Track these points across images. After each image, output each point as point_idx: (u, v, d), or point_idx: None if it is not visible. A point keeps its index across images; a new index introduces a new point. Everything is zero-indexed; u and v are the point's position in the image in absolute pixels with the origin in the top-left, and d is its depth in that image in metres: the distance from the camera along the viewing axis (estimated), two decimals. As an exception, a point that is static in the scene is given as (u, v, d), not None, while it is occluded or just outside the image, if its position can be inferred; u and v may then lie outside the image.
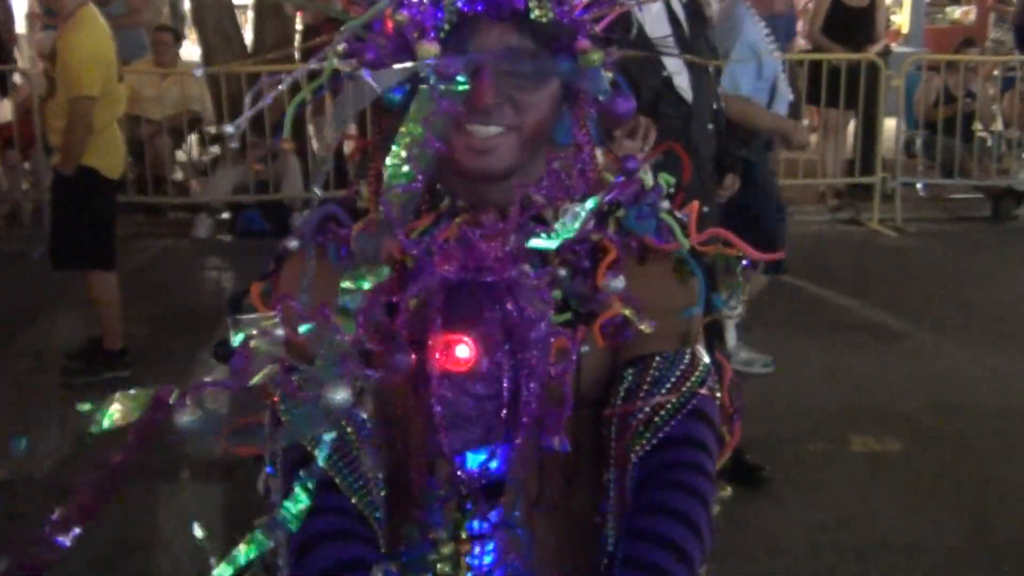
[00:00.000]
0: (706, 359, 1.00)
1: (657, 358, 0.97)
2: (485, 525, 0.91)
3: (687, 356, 0.98)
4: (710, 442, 0.96)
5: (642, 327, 0.93)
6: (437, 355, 0.88)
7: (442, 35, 0.90)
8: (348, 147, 4.59)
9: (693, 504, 0.91)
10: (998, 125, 6.57)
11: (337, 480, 0.91)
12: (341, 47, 0.90)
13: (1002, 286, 4.68)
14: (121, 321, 3.77)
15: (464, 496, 0.91)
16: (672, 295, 0.99)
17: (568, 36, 0.93)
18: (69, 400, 3.54)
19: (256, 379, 0.86)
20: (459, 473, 0.90)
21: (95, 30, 3.59)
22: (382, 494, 0.94)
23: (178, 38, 6.17)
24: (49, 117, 3.72)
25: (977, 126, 6.41)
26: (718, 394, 1.00)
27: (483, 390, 0.86)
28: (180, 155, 6.37)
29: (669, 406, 0.94)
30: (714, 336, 1.05)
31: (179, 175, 6.31)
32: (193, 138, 6.24)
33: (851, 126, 6.26)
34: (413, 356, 0.86)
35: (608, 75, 0.97)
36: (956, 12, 9.91)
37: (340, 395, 0.82)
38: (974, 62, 6.43)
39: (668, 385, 0.95)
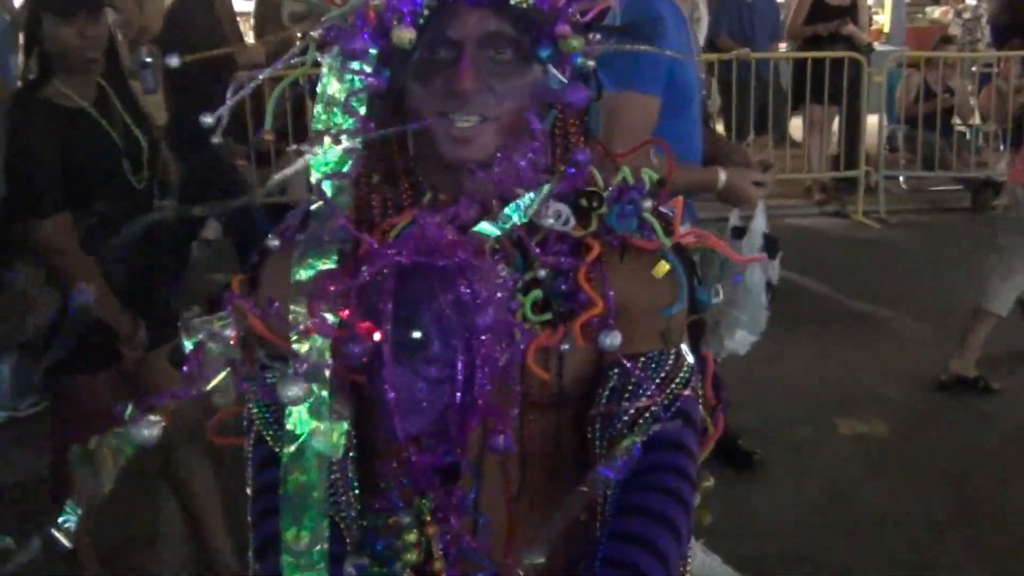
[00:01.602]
0: (690, 359, 0.99)
1: (642, 359, 0.96)
2: (441, 512, 0.90)
3: (671, 356, 0.97)
4: (692, 445, 0.96)
5: (609, 341, 0.93)
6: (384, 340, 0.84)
7: (421, 21, 0.89)
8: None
9: (674, 507, 0.92)
10: (976, 119, 6.69)
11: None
12: (315, 35, 0.90)
13: (981, 274, 4.80)
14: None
15: (420, 481, 0.89)
16: (655, 293, 0.98)
17: (548, 22, 0.92)
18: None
19: (212, 384, 0.85)
20: (414, 458, 0.87)
21: None
22: (353, 493, 0.94)
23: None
24: None
25: (956, 121, 6.53)
26: (700, 391, 1.00)
27: (436, 373, 0.83)
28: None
29: (653, 409, 0.94)
30: (699, 330, 1.15)
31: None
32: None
33: (835, 122, 6.38)
34: (370, 342, 0.83)
35: (591, 63, 0.96)
36: (936, 12, 10.07)
37: (293, 390, 0.82)
38: (952, 59, 6.57)
39: (652, 387, 0.95)
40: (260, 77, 0.90)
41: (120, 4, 6.21)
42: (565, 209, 0.94)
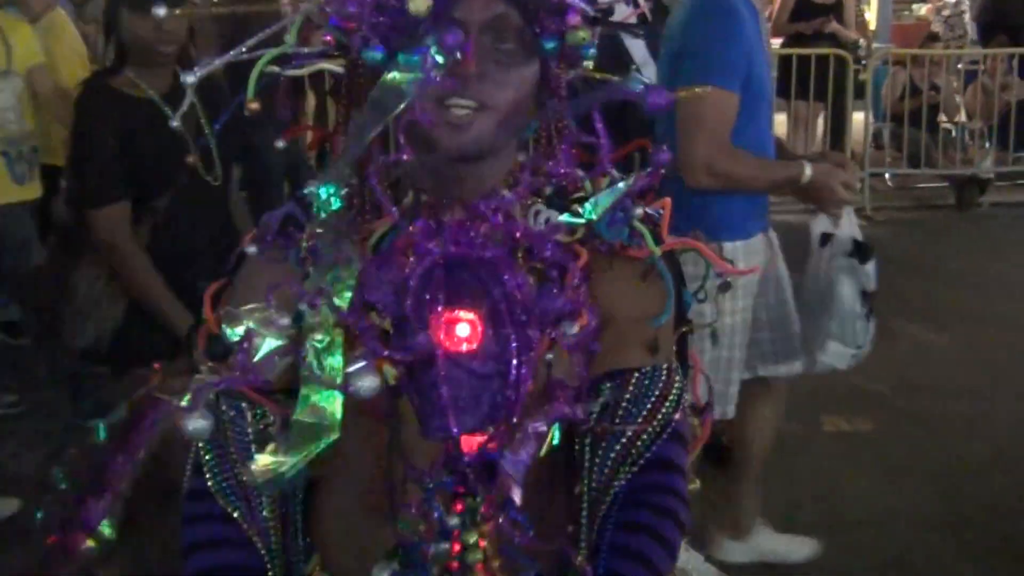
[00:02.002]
0: (678, 376, 0.99)
1: (636, 374, 0.95)
2: (485, 510, 0.88)
3: (663, 373, 0.97)
4: (683, 462, 0.97)
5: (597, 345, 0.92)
6: (442, 335, 0.85)
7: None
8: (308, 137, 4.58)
9: (669, 527, 0.93)
10: (961, 117, 6.72)
11: (224, 502, 0.93)
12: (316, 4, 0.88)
13: (966, 271, 4.82)
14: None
15: (466, 481, 0.87)
16: (643, 302, 0.97)
17: (557, 12, 0.90)
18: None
19: (274, 372, 0.84)
20: (464, 458, 0.86)
21: (72, 35, 3.62)
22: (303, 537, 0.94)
23: None
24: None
25: (942, 118, 6.56)
26: (688, 396, 1.00)
27: (482, 368, 0.83)
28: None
29: (647, 435, 0.94)
30: (686, 336, 1.14)
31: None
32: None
33: (821, 119, 6.39)
34: (459, 333, 0.83)
35: (592, 51, 0.95)
36: (922, 9, 10.10)
37: (369, 381, 0.80)
38: (938, 56, 6.59)
39: (646, 410, 0.94)
40: (242, 48, 0.88)
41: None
42: (552, 215, 0.92)
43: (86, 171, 2.14)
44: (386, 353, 0.84)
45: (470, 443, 0.87)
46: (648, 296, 0.97)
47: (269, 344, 0.84)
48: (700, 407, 1.08)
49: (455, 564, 0.87)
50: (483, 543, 0.87)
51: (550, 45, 0.91)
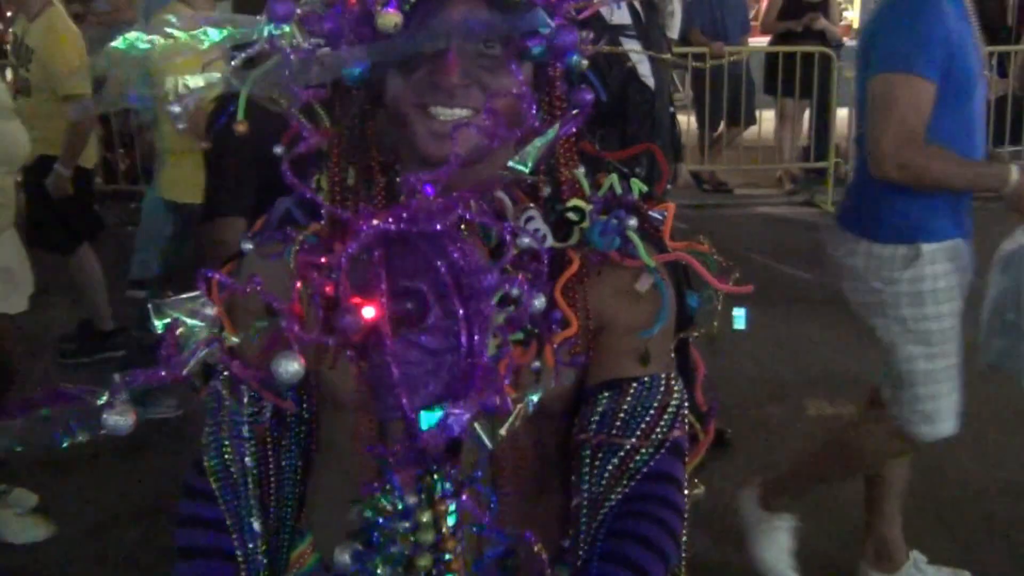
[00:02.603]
0: (678, 387, 0.96)
1: (634, 385, 0.93)
2: (449, 486, 0.86)
3: (662, 383, 0.94)
4: (681, 475, 0.95)
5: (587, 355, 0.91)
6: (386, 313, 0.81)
7: (406, 7, 0.83)
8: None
9: (665, 538, 0.91)
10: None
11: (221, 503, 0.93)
12: (297, 15, 0.84)
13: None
14: (108, 304, 3.83)
15: (426, 457, 0.85)
16: (637, 310, 0.94)
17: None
18: (64, 380, 3.55)
19: (190, 366, 0.82)
20: (425, 435, 0.82)
21: (69, 30, 3.62)
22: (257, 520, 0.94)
23: None
24: (28, 116, 3.74)
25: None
26: (686, 405, 0.97)
27: (435, 344, 0.80)
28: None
29: (645, 450, 0.92)
30: (687, 341, 1.09)
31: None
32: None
33: (806, 115, 6.48)
34: (365, 315, 0.80)
35: (584, 63, 0.92)
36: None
37: (293, 366, 0.80)
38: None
39: (644, 423, 0.92)
40: (234, 63, 0.85)
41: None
42: (543, 227, 0.91)
43: (217, 180, 2.10)
44: (308, 337, 0.83)
45: (429, 420, 0.83)
46: (642, 304, 0.95)
47: (194, 335, 0.83)
48: (703, 410, 1.07)
49: (411, 542, 0.85)
50: (443, 523, 0.85)
51: (537, 49, 0.88)
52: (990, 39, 6.62)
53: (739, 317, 1.04)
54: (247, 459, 0.95)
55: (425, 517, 0.85)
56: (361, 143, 0.91)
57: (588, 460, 0.93)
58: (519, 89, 0.86)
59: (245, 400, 0.95)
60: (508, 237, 0.84)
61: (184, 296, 0.85)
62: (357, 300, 0.80)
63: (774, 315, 4.11)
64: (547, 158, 0.92)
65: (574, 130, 0.94)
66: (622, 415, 0.93)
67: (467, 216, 0.83)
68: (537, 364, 0.89)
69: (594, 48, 0.94)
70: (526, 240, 0.86)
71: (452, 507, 0.86)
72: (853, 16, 9.18)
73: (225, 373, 0.95)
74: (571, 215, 0.92)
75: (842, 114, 6.30)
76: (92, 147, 3.86)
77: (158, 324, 0.84)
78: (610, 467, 0.92)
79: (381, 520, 0.85)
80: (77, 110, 3.55)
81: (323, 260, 0.84)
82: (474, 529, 0.87)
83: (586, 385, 0.96)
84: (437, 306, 0.80)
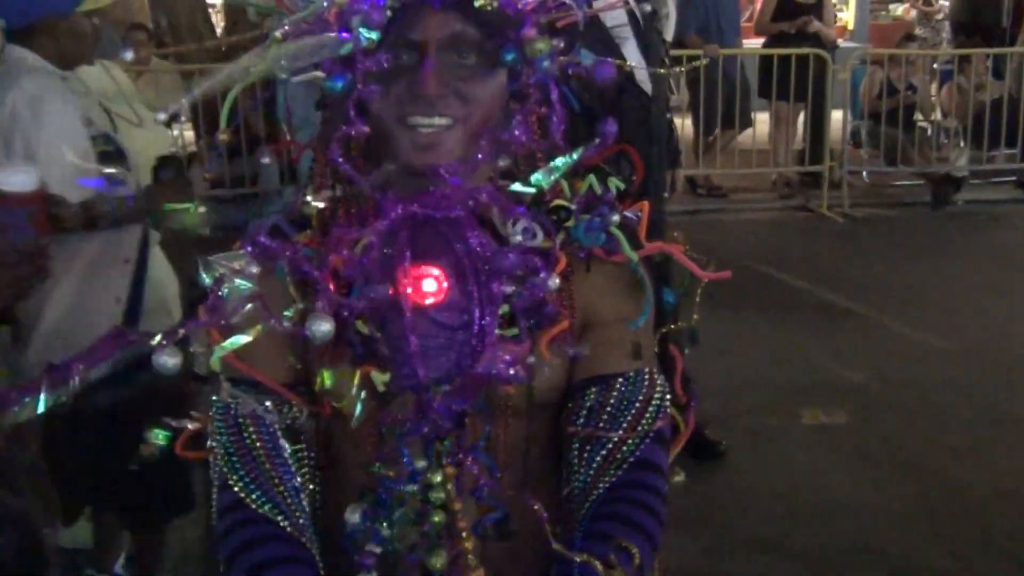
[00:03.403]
0: (661, 380, 1.01)
1: (620, 380, 0.97)
2: (458, 454, 0.91)
3: (646, 378, 0.99)
4: (664, 464, 0.99)
5: (580, 349, 0.95)
6: (409, 289, 0.88)
7: (383, 23, 0.87)
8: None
9: (648, 519, 0.95)
10: (937, 115, 6.82)
11: (256, 506, 0.93)
12: (280, 34, 0.87)
13: (941, 267, 4.89)
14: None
15: (434, 425, 0.90)
16: (622, 305, 0.98)
17: (514, 25, 0.90)
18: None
19: (238, 316, 0.87)
20: (435, 403, 0.89)
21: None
22: (303, 501, 0.95)
23: (151, 36, 5.95)
24: None
25: (918, 116, 6.65)
26: (668, 397, 1.01)
27: (449, 320, 0.86)
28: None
29: (631, 441, 0.96)
30: (667, 335, 1.14)
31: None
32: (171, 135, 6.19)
33: (800, 118, 6.46)
34: (386, 286, 0.86)
35: (554, 69, 0.94)
36: (899, 9, 10.22)
37: (325, 326, 0.84)
38: (914, 56, 6.68)
39: (630, 415, 0.97)
40: (218, 78, 0.87)
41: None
42: (532, 224, 0.93)
43: None
44: (344, 301, 0.87)
45: (439, 395, 0.90)
46: (627, 298, 0.99)
47: (238, 289, 0.88)
48: (683, 402, 1.10)
49: (420, 503, 0.91)
50: (449, 484, 0.91)
51: (509, 57, 0.91)
52: (985, 40, 6.64)
53: (680, 292, 1.07)
54: (296, 480, 0.96)
55: (438, 477, 0.90)
56: (347, 154, 0.93)
57: (577, 452, 0.97)
58: (495, 95, 0.90)
59: (274, 410, 0.96)
60: (520, 225, 0.91)
61: (230, 253, 0.90)
62: (421, 272, 0.86)
63: (768, 322, 4.10)
64: (530, 163, 0.97)
65: (558, 139, 0.96)
66: (609, 409, 0.97)
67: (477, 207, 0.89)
68: (532, 359, 0.92)
69: (570, 59, 0.96)
70: (518, 238, 0.91)
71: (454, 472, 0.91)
72: (848, 18, 9.17)
73: (236, 398, 0.95)
74: (554, 215, 0.95)
75: (837, 117, 6.29)
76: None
77: (206, 278, 0.88)
78: (598, 458, 0.96)
79: (389, 482, 0.90)
80: None
81: (352, 236, 0.88)
82: (475, 494, 0.92)
83: (574, 380, 0.99)
84: (454, 285, 0.84)
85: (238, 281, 0.88)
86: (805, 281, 4.63)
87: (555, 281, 0.92)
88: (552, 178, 0.92)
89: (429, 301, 0.89)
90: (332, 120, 0.93)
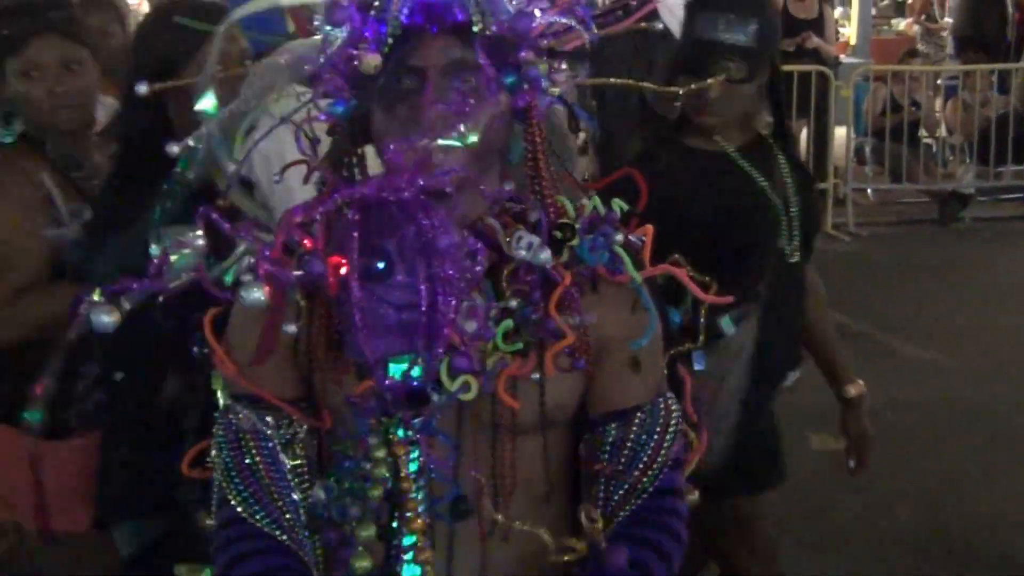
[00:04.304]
0: (674, 405, 1.05)
1: (639, 415, 1.02)
2: (411, 433, 0.92)
3: (661, 408, 1.03)
4: (681, 485, 1.05)
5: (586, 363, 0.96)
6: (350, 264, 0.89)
7: (385, 49, 0.90)
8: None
9: (667, 540, 1.00)
10: (942, 132, 6.79)
11: (254, 521, 0.96)
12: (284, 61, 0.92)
13: (948, 285, 4.85)
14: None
15: (388, 403, 0.91)
16: (627, 325, 1.00)
17: (512, 49, 0.93)
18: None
19: (175, 284, 0.89)
20: (386, 381, 0.90)
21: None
22: (301, 514, 0.97)
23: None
24: None
25: (923, 133, 6.63)
26: (681, 418, 1.06)
27: (396, 299, 0.88)
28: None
29: (652, 471, 1.01)
30: (676, 357, 1.15)
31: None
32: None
33: (803, 135, 6.43)
34: (331, 262, 0.87)
35: (556, 91, 0.97)
36: (901, 24, 10.23)
37: (255, 294, 0.86)
38: (918, 72, 6.66)
39: (650, 448, 1.01)
40: (226, 110, 0.93)
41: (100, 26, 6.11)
42: (536, 240, 0.94)
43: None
44: (273, 270, 0.88)
45: (399, 369, 0.91)
46: (632, 318, 1.00)
47: (182, 260, 0.90)
48: (693, 420, 1.12)
49: (362, 479, 0.93)
50: (402, 465, 0.92)
51: (509, 79, 0.94)
52: (990, 56, 6.62)
53: (726, 323, 1.12)
54: (295, 495, 0.98)
55: (379, 453, 0.92)
56: (351, 174, 0.97)
57: (603, 488, 1.01)
58: (496, 118, 0.92)
59: (273, 424, 0.98)
60: (525, 240, 0.93)
61: (184, 226, 0.91)
62: (333, 258, 0.87)
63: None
64: (534, 185, 0.99)
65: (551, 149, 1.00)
66: (629, 444, 1.01)
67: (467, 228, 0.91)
68: (536, 375, 0.95)
69: (575, 80, 1.00)
70: (521, 253, 0.93)
71: (415, 454, 0.92)
72: (850, 33, 9.17)
73: (239, 413, 0.98)
74: (558, 233, 0.97)
75: (840, 133, 6.26)
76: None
77: (155, 247, 0.91)
78: (622, 491, 1.01)
79: (348, 460, 0.94)
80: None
81: (301, 217, 0.90)
82: (432, 476, 0.94)
83: (593, 414, 1.03)
84: (402, 266, 0.86)
85: (184, 251, 0.90)
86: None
87: (546, 254, 0.93)
88: (470, 136, 0.91)
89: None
90: (339, 143, 0.96)
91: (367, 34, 0.90)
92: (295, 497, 0.98)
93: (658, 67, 2.60)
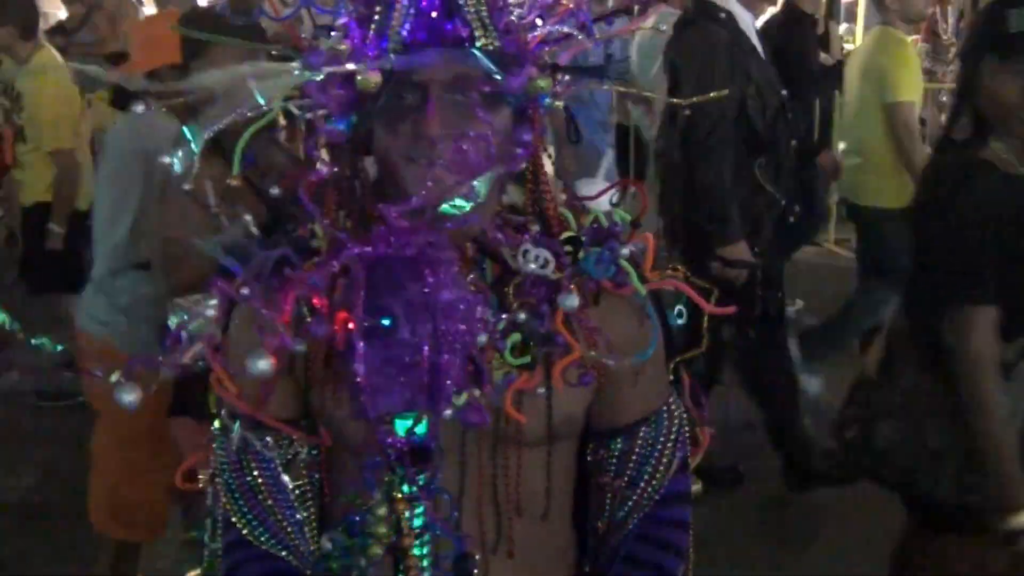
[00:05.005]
0: (678, 409, 1.06)
1: (643, 428, 1.03)
2: (414, 489, 0.93)
3: (665, 416, 1.05)
4: (687, 488, 1.07)
5: (606, 361, 0.97)
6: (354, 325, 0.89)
7: (386, 66, 0.88)
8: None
9: (669, 558, 1.03)
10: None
11: (259, 544, 0.98)
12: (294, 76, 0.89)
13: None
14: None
15: (391, 460, 0.92)
16: (632, 336, 1.00)
17: (515, 64, 0.92)
18: (39, 424, 3.53)
19: (187, 357, 0.91)
20: (388, 438, 0.91)
21: (57, 75, 3.61)
22: (305, 532, 0.99)
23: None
24: (20, 155, 3.73)
25: (928, 149, 6.63)
26: (686, 419, 1.07)
27: (400, 356, 0.88)
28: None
29: (656, 480, 1.03)
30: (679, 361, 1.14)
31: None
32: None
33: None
34: (335, 326, 0.89)
35: (559, 104, 0.97)
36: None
37: (261, 365, 0.87)
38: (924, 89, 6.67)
39: (654, 458, 1.03)
40: (225, 122, 0.90)
41: (96, 22, 6.17)
42: (544, 253, 0.94)
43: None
44: (287, 340, 0.90)
45: (404, 426, 0.91)
46: (636, 330, 1.01)
47: (198, 329, 0.92)
48: (696, 418, 1.13)
49: (366, 535, 0.94)
50: (403, 521, 0.93)
51: (512, 95, 0.93)
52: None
53: (676, 314, 1.09)
54: (299, 515, 0.99)
55: (381, 511, 0.92)
56: (353, 190, 0.96)
57: (610, 500, 1.04)
58: (499, 132, 0.91)
59: (274, 446, 0.98)
60: (532, 253, 0.93)
61: (200, 296, 0.94)
62: (338, 313, 0.88)
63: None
64: (536, 198, 0.99)
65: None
66: (635, 457, 1.03)
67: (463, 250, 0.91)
68: (543, 390, 0.95)
69: (574, 89, 0.98)
70: (531, 266, 0.93)
71: (419, 510, 0.92)
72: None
73: (237, 433, 0.97)
74: (564, 246, 0.97)
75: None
76: (90, 186, 3.83)
77: (173, 319, 0.94)
78: (629, 503, 1.03)
79: (356, 514, 0.94)
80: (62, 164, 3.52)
81: (309, 275, 0.91)
82: (435, 532, 0.94)
83: (598, 427, 1.03)
84: (406, 324, 0.86)
85: (198, 322, 0.92)
86: (814, 318, 4.58)
87: (573, 300, 0.94)
88: (471, 200, 0.90)
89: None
90: (341, 160, 0.95)
91: (368, 51, 0.88)
92: (299, 517, 0.99)
93: (754, 81, 2.70)
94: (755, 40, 2.83)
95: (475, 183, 0.89)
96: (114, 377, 0.87)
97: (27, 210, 3.72)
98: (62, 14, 5.64)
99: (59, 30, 5.55)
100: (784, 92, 2.83)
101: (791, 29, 3.87)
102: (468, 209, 0.89)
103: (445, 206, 0.88)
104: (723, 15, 2.73)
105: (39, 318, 4.09)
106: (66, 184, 3.55)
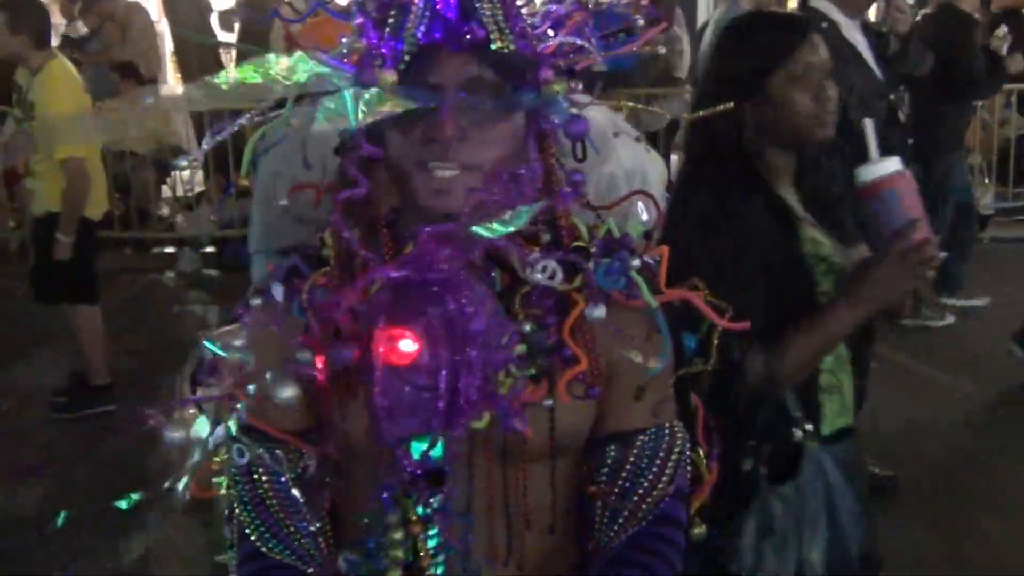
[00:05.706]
0: (681, 433, 1.01)
1: (640, 438, 0.99)
2: (429, 511, 0.92)
3: (666, 434, 1.00)
4: (683, 517, 1.01)
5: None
6: (381, 348, 0.89)
7: (401, 66, 0.88)
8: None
9: (660, 566, 0.98)
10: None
11: (275, 555, 0.98)
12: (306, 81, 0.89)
13: (968, 306, 4.80)
14: (106, 355, 3.79)
15: (407, 482, 0.91)
16: (643, 350, 0.98)
17: (531, 67, 0.91)
18: (53, 435, 3.52)
19: (223, 388, 0.92)
20: (404, 461, 0.90)
21: (68, 83, 3.60)
22: (319, 541, 0.99)
23: (140, 80, 5.77)
24: (32, 164, 3.74)
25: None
26: (689, 449, 1.03)
27: (423, 382, 0.87)
28: (165, 190, 6.38)
29: (651, 498, 0.98)
30: (689, 378, 1.12)
31: (164, 210, 6.32)
32: (179, 173, 6.27)
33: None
34: (356, 351, 0.89)
35: (573, 110, 0.95)
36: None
37: (286, 393, 0.87)
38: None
39: (652, 473, 0.98)
40: (240, 121, 0.90)
41: (106, 31, 6.20)
42: (553, 264, 0.92)
43: None
44: (303, 369, 0.91)
45: (419, 449, 0.91)
46: (645, 344, 0.98)
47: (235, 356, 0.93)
48: (706, 451, 1.10)
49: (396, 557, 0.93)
50: (420, 543, 0.92)
51: (527, 99, 0.92)
52: (1011, 76, 6.56)
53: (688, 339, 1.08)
54: (311, 526, 0.98)
55: (397, 535, 0.91)
56: (365, 198, 0.94)
57: (599, 511, 0.99)
58: (513, 138, 0.91)
59: (284, 461, 0.97)
60: (541, 264, 0.92)
61: (227, 329, 0.94)
62: (397, 332, 0.86)
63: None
64: (548, 207, 0.96)
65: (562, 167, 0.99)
66: (628, 467, 0.98)
67: (473, 259, 0.89)
68: (549, 402, 0.93)
69: (590, 102, 0.96)
70: (538, 276, 0.91)
71: (433, 530, 0.92)
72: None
73: (248, 447, 0.97)
74: (573, 257, 0.95)
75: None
76: (101, 194, 3.81)
77: (206, 352, 0.94)
78: (621, 519, 0.98)
79: (372, 536, 0.93)
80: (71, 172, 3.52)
81: (338, 300, 0.90)
82: (450, 553, 0.93)
83: (595, 435, 0.99)
84: (425, 348, 0.85)
85: (234, 354, 0.92)
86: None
87: (601, 311, 0.93)
88: (521, 221, 0.88)
89: (404, 361, 0.88)
90: (350, 163, 0.93)
91: (383, 51, 0.88)
92: (311, 528, 0.98)
93: (855, 91, 2.65)
94: (861, 47, 2.77)
95: (523, 209, 0.87)
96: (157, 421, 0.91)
97: (38, 220, 3.73)
98: (62, 26, 5.67)
99: (69, 40, 5.58)
100: (891, 96, 2.82)
101: (952, 30, 3.76)
102: (457, 173, 0.89)
103: (480, 228, 0.86)
104: (825, 24, 2.68)
105: (48, 328, 4.14)
106: (73, 193, 3.55)
